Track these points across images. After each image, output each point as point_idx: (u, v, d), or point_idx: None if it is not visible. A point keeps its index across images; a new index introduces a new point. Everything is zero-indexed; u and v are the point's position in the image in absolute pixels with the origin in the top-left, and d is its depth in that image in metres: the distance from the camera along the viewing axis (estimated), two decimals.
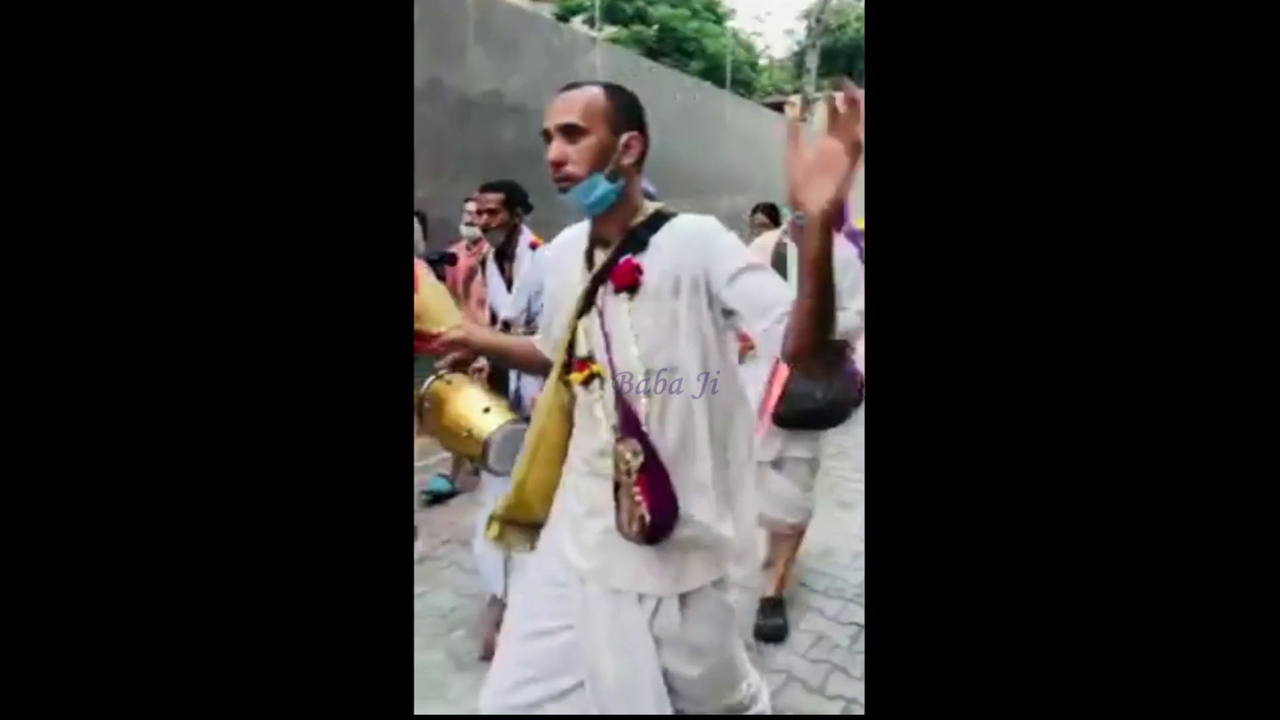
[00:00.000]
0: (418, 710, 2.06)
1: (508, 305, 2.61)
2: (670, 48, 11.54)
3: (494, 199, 2.65)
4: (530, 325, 2.48)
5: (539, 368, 1.46)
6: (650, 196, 1.34)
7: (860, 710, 2.21)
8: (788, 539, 2.66)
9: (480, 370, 2.51)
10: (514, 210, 2.65)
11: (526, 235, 2.68)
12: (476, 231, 3.55)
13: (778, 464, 2.60)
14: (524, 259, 2.63)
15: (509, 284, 2.66)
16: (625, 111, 1.25)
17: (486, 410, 2.17)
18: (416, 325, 1.83)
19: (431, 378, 2.18)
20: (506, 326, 2.56)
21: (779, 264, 2.46)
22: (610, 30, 10.95)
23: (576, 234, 1.37)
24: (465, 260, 3.81)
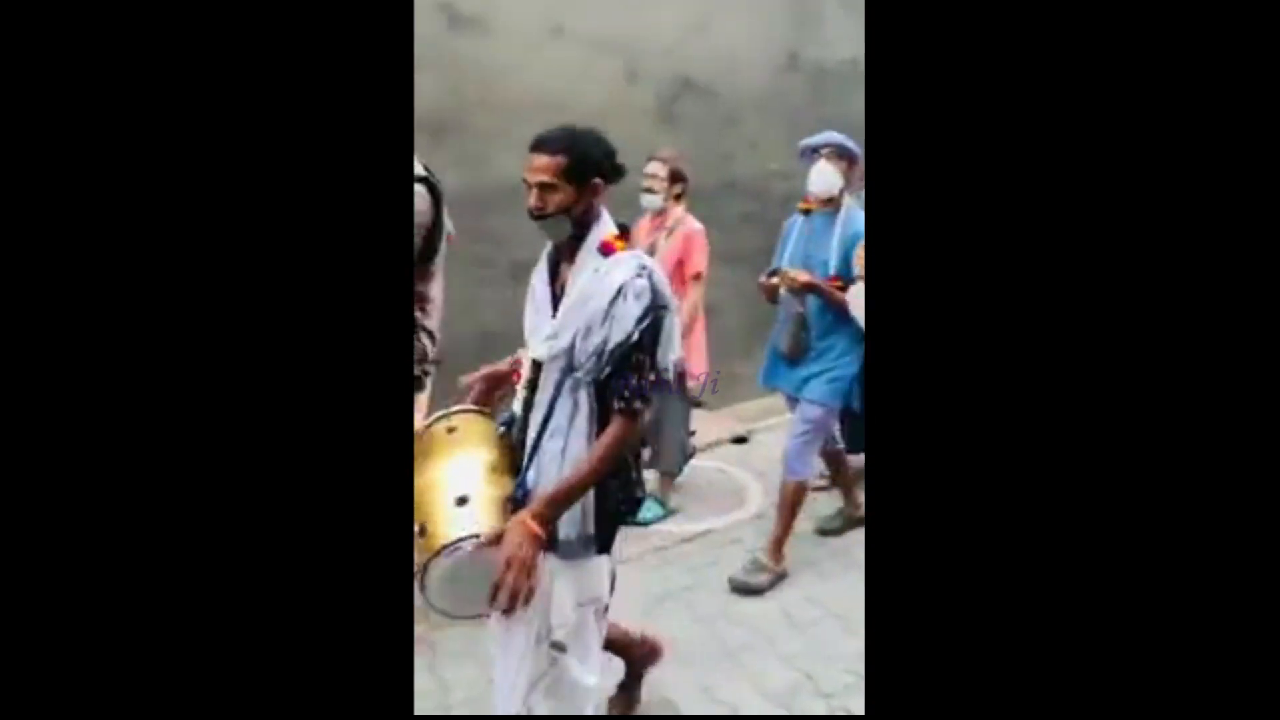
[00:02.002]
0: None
1: (543, 332, 1.55)
2: None
3: (550, 163, 1.46)
4: (576, 371, 1.50)
5: None
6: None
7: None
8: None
9: (500, 383, 1.67)
10: (583, 185, 1.49)
11: (602, 227, 1.54)
12: (658, 200, 3.02)
13: None
14: (586, 266, 1.52)
15: (555, 302, 1.56)
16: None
17: (462, 501, 1.35)
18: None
19: (437, 415, 1.53)
20: (537, 369, 1.56)
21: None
22: None
23: None
24: (645, 235, 3.06)
